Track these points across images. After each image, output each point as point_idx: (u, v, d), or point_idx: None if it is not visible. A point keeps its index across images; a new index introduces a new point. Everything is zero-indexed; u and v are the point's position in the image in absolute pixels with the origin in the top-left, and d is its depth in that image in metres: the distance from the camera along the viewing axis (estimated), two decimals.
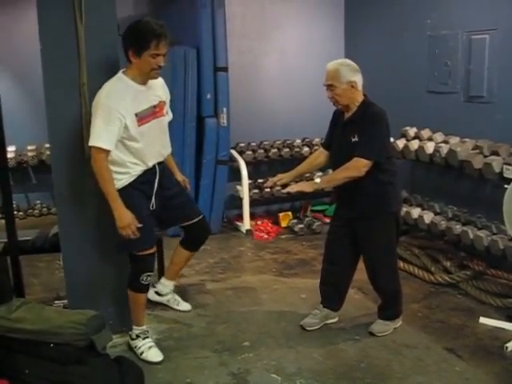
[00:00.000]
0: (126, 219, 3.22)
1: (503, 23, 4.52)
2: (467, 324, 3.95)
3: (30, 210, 6.84)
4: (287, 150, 6.49)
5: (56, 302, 4.07)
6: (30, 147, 6.67)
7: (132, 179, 3.35)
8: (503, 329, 3.83)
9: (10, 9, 6.42)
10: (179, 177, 3.85)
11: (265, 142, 6.52)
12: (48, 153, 6.15)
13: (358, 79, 3.48)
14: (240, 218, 6.33)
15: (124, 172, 3.33)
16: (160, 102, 3.44)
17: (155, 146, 3.42)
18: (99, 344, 3.05)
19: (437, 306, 4.27)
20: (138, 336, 3.59)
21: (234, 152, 6.29)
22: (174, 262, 4.00)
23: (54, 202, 6.24)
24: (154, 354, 3.51)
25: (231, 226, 6.44)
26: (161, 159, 3.52)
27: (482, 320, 3.96)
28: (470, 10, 4.88)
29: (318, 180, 3.55)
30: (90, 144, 3.17)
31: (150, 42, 3.14)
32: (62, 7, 3.34)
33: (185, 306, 4.15)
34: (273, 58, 6.65)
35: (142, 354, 3.52)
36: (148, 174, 3.41)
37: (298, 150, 6.50)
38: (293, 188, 3.52)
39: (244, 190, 6.15)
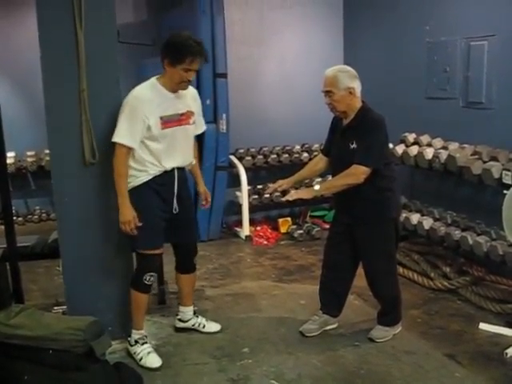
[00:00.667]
0: (127, 215, 3.33)
1: (502, 29, 4.53)
2: (467, 330, 3.94)
3: (30, 216, 6.85)
4: (286, 155, 6.50)
5: (55, 308, 4.07)
6: (29, 153, 6.68)
7: (149, 178, 3.42)
8: (503, 335, 3.83)
9: (10, 15, 6.44)
10: (201, 188, 3.91)
11: (264, 148, 6.54)
12: (47, 159, 6.15)
13: (357, 85, 3.48)
14: (239, 223, 6.33)
15: (142, 170, 3.40)
16: (188, 111, 3.52)
17: (176, 150, 3.47)
18: (98, 350, 3.05)
19: (436, 311, 4.27)
20: (136, 342, 3.58)
21: (233, 158, 6.30)
22: (179, 289, 3.95)
23: (53, 208, 6.24)
24: (152, 360, 3.51)
25: (230, 231, 6.44)
26: (181, 165, 3.55)
27: (482, 326, 3.95)
28: (468, 16, 4.90)
29: (317, 187, 3.55)
30: (113, 140, 3.31)
31: (185, 57, 3.28)
32: (61, 13, 3.35)
33: (212, 327, 3.99)
34: (272, 65, 6.66)
35: (140, 359, 3.51)
36: (166, 176, 3.46)
37: (297, 155, 6.52)
38: (292, 195, 3.53)
39: (243, 195, 6.15)
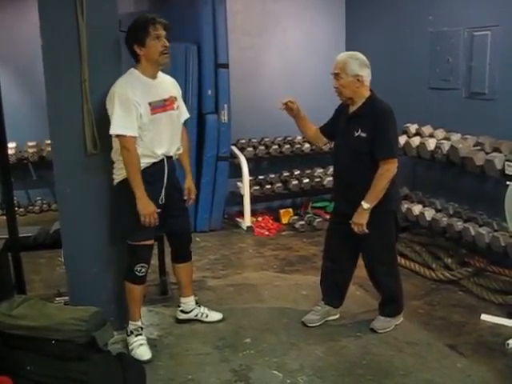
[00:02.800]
0: (148, 207, 3.34)
1: (505, 20, 4.51)
2: (468, 321, 3.95)
3: (31, 207, 6.85)
4: (288, 146, 6.48)
5: (57, 298, 4.07)
6: (30, 144, 6.67)
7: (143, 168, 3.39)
8: (504, 326, 3.83)
9: (12, 6, 6.42)
10: (188, 183, 3.83)
11: (266, 139, 6.52)
12: (48, 149, 6.15)
13: (366, 74, 3.47)
14: (241, 214, 6.33)
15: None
16: (170, 96, 3.52)
17: (164, 136, 3.47)
18: (101, 340, 3.05)
19: (438, 302, 4.27)
20: (131, 332, 3.58)
21: (234, 148, 6.29)
22: (177, 279, 3.95)
23: (54, 199, 6.25)
24: (142, 353, 3.49)
25: (232, 222, 6.44)
26: (169, 153, 3.54)
27: (484, 317, 3.95)
28: (471, 6, 4.87)
29: (366, 206, 3.45)
30: (114, 132, 3.28)
31: (147, 27, 3.30)
32: (63, 4, 3.33)
33: (215, 316, 4.01)
34: (274, 55, 6.64)
35: (131, 350, 3.52)
36: (156, 166, 3.45)
37: (298, 146, 6.50)
38: (359, 230, 3.48)
39: (245, 186, 6.14)
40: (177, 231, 3.76)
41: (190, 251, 3.88)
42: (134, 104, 3.27)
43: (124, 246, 3.55)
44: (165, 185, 3.50)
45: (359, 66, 3.46)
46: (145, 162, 3.38)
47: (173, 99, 3.53)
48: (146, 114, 3.33)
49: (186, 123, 3.80)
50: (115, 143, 3.38)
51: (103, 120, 3.46)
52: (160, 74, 3.52)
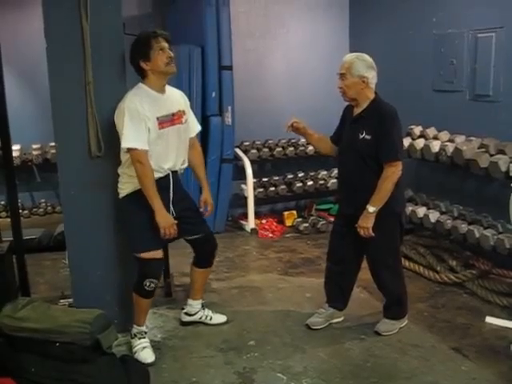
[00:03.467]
0: (167, 219, 3.34)
1: (509, 21, 4.50)
2: (473, 323, 3.94)
3: (35, 209, 6.84)
4: (292, 148, 6.48)
5: (61, 300, 4.07)
6: (34, 146, 6.66)
7: None
8: (509, 328, 3.82)
9: (16, 8, 6.42)
10: (204, 195, 3.80)
11: (269, 141, 6.52)
12: (53, 151, 6.16)
13: (371, 76, 3.47)
14: (245, 216, 6.33)
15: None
16: (179, 110, 3.52)
17: (171, 151, 3.47)
18: (105, 343, 3.05)
19: (443, 305, 4.26)
20: (135, 335, 3.58)
21: (238, 151, 6.29)
22: (192, 282, 3.93)
23: (58, 201, 6.25)
24: (145, 355, 3.49)
25: (236, 224, 6.43)
26: (175, 167, 3.54)
27: (488, 319, 3.94)
28: (475, 8, 4.86)
29: (371, 209, 3.44)
30: (126, 146, 3.26)
31: (150, 41, 3.33)
32: (67, 5, 3.34)
33: (219, 319, 4.01)
34: (277, 57, 6.64)
35: (135, 353, 3.51)
36: (162, 181, 3.43)
37: (302, 148, 6.50)
38: (365, 234, 3.48)
39: (249, 188, 6.14)
40: (199, 239, 3.72)
41: (213, 259, 3.86)
42: (143, 118, 3.27)
43: (128, 250, 3.55)
44: (171, 199, 3.48)
45: (365, 67, 3.45)
46: (155, 176, 3.36)
47: (181, 113, 3.53)
48: (154, 129, 3.33)
49: (198, 135, 3.82)
50: (123, 157, 3.39)
51: (107, 122, 3.47)
52: (168, 88, 3.52)
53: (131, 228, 3.47)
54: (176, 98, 3.57)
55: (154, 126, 3.33)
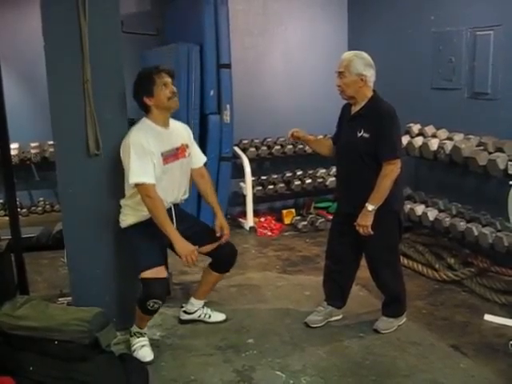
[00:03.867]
0: (186, 248, 3.34)
1: (508, 19, 4.49)
2: (472, 321, 3.94)
3: (34, 207, 6.83)
4: (290, 146, 6.47)
5: (60, 299, 4.07)
6: (33, 144, 6.66)
7: (147, 217, 3.41)
8: (508, 326, 3.82)
9: (15, 6, 6.41)
10: (219, 221, 3.71)
11: (268, 139, 6.52)
12: (51, 150, 6.15)
13: (370, 74, 3.47)
14: (243, 215, 6.33)
15: (140, 209, 3.41)
16: (182, 144, 3.56)
17: (174, 186, 3.52)
18: (103, 341, 3.05)
19: (441, 303, 4.26)
20: (134, 334, 3.59)
21: (237, 149, 6.28)
22: (202, 283, 3.92)
23: (57, 199, 6.25)
24: (144, 354, 3.49)
25: (235, 223, 6.43)
26: (177, 200, 3.59)
27: (487, 317, 3.95)
28: (474, 6, 4.85)
29: (370, 207, 3.44)
30: (133, 182, 3.28)
31: (152, 77, 3.37)
32: (65, 4, 3.34)
33: (218, 317, 4.01)
34: (276, 55, 6.64)
35: (134, 351, 3.51)
36: None
37: (301, 146, 6.48)
38: (364, 232, 3.48)
39: (247, 186, 6.14)
40: (218, 251, 3.71)
41: (232, 265, 3.84)
42: (148, 153, 3.30)
43: (127, 247, 3.55)
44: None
45: (364, 65, 3.45)
46: None
47: (184, 147, 3.57)
48: (159, 164, 3.36)
49: (206, 164, 3.86)
50: (128, 191, 3.43)
51: (106, 120, 3.47)
52: (171, 122, 3.56)
53: (133, 250, 3.47)
54: (179, 132, 3.61)
55: (159, 162, 3.36)
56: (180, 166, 3.53)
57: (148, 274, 3.34)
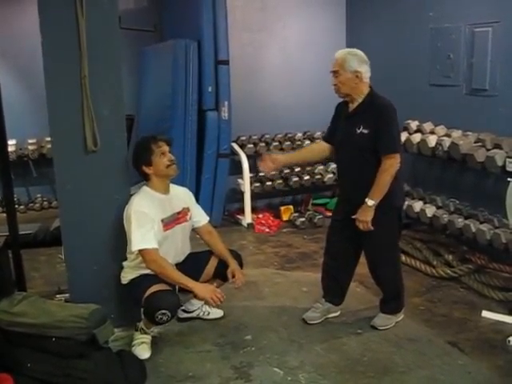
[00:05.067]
0: (207, 291, 3.36)
1: (506, 16, 4.49)
2: (470, 318, 3.95)
3: (31, 204, 6.84)
4: (288, 143, 6.48)
5: (57, 295, 4.07)
6: (30, 141, 6.66)
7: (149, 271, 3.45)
8: (505, 322, 3.83)
9: (11, 2, 6.40)
10: (231, 267, 3.69)
11: (266, 136, 6.52)
12: (49, 146, 6.14)
13: (365, 70, 3.46)
14: (241, 211, 6.33)
15: (141, 267, 3.45)
16: (183, 208, 3.64)
17: (176, 250, 3.61)
18: (101, 338, 3.06)
19: (439, 299, 4.27)
20: (140, 329, 3.58)
21: (235, 145, 6.28)
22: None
23: (54, 196, 6.24)
24: (141, 351, 3.47)
25: (232, 219, 6.43)
26: (179, 260, 3.65)
27: (485, 314, 3.95)
28: (472, 2, 4.85)
29: (370, 202, 3.42)
30: (136, 249, 3.34)
31: (150, 146, 3.47)
32: (62, 0, 3.31)
33: (216, 314, 4.02)
34: (274, 51, 6.63)
35: (133, 346, 3.51)
36: None
37: (299, 143, 6.50)
38: (364, 228, 3.47)
39: (245, 183, 6.14)
40: (219, 263, 3.76)
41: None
42: (150, 221, 3.36)
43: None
44: (177, 287, 3.55)
45: (358, 61, 3.45)
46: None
47: (185, 211, 3.65)
48: (159, 231, 3.42)
49: (211, 222, 3.91)
50: (130, 255, 3.50)
51: (103, 117, 3.46)
52: (172, 187, 3.62)
53: (135, 287, 3.48)
54: (180, 197, 3.68)
55: (160, 229, 3.42)
56: (182, 230, 3.62)
57: (151, 289, 3.34)
